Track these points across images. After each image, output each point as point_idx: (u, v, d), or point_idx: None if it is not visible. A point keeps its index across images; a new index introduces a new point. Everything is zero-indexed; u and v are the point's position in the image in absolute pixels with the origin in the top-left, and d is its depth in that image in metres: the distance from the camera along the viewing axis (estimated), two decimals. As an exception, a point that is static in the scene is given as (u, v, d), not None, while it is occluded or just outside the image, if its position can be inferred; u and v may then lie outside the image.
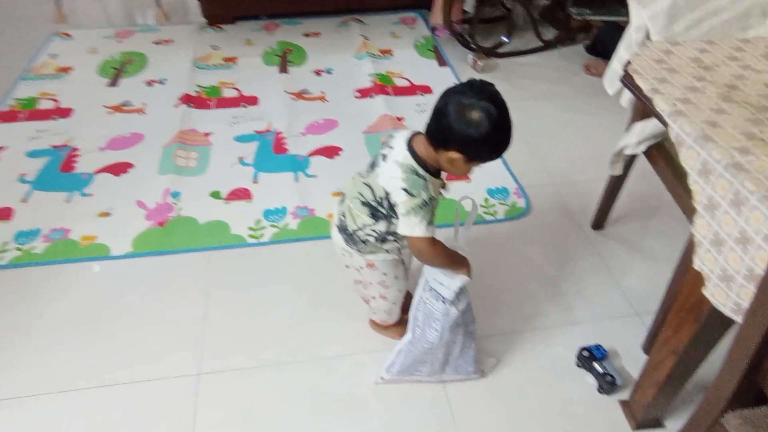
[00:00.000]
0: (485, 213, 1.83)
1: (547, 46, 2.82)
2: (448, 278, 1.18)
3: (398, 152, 1.11)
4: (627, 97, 1.49)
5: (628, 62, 1.06)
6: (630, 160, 1.57)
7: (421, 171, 1.08)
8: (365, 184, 1.15)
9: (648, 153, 1.43)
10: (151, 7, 3.17)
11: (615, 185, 1.66)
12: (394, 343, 1.34)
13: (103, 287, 1.58)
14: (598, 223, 1.79)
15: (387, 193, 1.10)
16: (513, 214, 1.84)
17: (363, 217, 1.16)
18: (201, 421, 1.27)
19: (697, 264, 0.88)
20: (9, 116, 2.26)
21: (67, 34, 2.89)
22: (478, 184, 1.94)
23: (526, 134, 2.23)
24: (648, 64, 1.05)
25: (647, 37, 1.43)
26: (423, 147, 1.09)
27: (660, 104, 0.94)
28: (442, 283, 1.19)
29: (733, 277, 0.81)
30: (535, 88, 2.55)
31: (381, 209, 1.14)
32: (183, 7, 3.25)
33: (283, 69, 2.58)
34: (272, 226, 1.76)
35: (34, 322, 1.48)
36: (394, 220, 1.14)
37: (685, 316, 1.04)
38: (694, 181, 0.86)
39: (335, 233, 1.27)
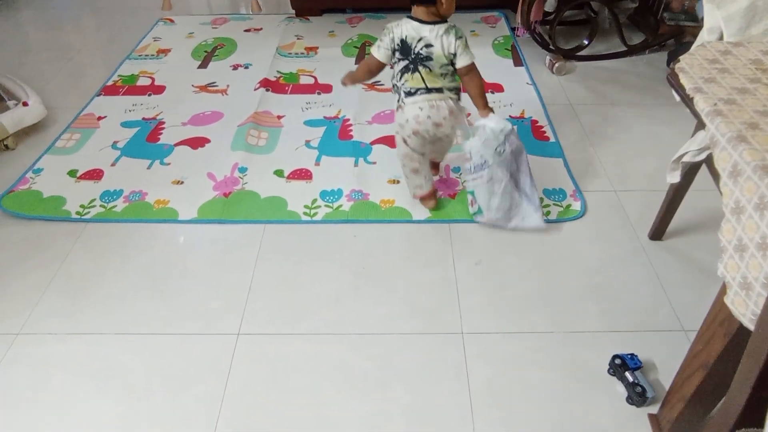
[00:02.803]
0: (537, 212, 1.81)
1: (632, 51, 2.70)
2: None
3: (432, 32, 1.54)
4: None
5: (678, 60, 1.02)
6: (693, 170, 1.50)
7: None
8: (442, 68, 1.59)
9: (709, 163, 1.36)
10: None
11: (676, 195, 1.59)
12: (425, 329, 1.38)
13: (168, 247, 1.73)
14: (657, 233, 1.71)
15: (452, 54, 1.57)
16: (567, 215, 1.80)
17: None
18: (234, 378, 1.36)
19: (720, 271, 0.85)
20: (112, 90, 2.50)
21: (171, 20, 3.15)
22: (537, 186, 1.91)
23: (594, 138, 2.17)
24: (698, 63, 1.01)
25: (721, 39, 1.36)
26: (424, 14, 1.54)
27: (700, 104, 0.91)
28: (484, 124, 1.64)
29: (752, 285, 0.77)
30: (613, 93, 2.46)
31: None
32: (279, 1, 3.43)
33: (360, 60, 2.66)
34: (326, 206, 1.84)
35: (108, 272, 1.65)
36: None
37: (716, 329, 0.99)
38: (724, 184, 0.83)
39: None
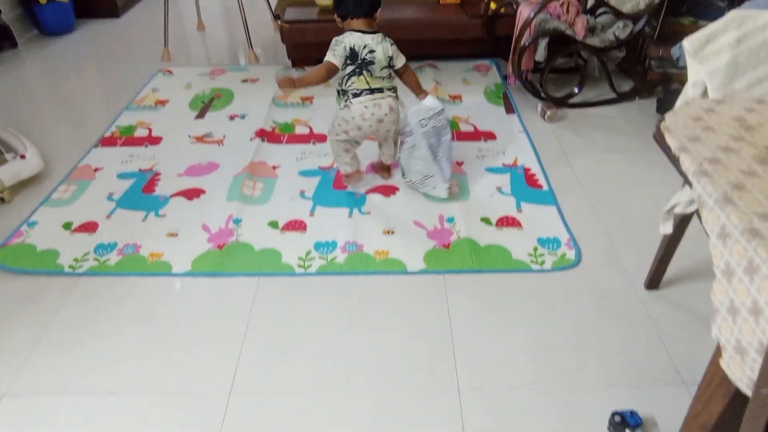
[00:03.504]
0: (531, 262, 1.80)
1: (622, 98, 2.76)
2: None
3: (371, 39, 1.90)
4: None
5: (663, 119, 1.04)
6: (686, 220, 1.50)
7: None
8: (381, 71, 1.93)
9: (699, 213, 1.36)
10: (244, 49, 3.46)
11: (670, 244, 1.59)
12: (419, 383, 1.35)
13: (161, 302, 1.71)
14: (653, 282, 1.70)
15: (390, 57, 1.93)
16: (562, 265, 1.80)
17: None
18: (225, 437, 1.33)
19: (715, 332, 0.84)
20: (110, 141, 2.53)
21: (170, 71, 3.21)
22: (528, 234, 1.92)
23: (587, 185, 2.18)
24: (683, 121, 1.02)
25: (705, 93, 1.39)
26: (365, 25, 1.91)
27: (686, 163, 0.92)
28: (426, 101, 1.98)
29: (746, 350, 0.76)
30: (605, 139, 2.50)
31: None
32: (273, 50, 3.52)
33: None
34: (321, 257, 1.84)
35: (100, 328, 1.63)
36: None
37: (715, 389, 0.97)
38: (714, 245, 0.83)
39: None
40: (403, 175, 2.14)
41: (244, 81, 3.05)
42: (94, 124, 2.69)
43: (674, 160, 0.96)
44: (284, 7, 3.15)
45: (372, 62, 1.89)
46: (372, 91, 1.92)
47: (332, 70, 1.90)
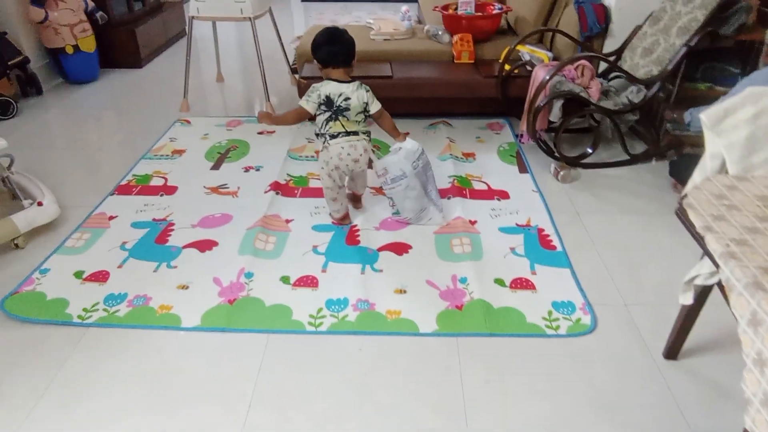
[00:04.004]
0: (546, 327, 1.77)
1: (634, 160, 2.77)
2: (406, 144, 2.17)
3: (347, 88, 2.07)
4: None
5: (685, 195, 1.03)
6: (706, 290, 1.48)
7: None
8: (356, 116, 2.09)
9: (721, 285, 1.34)
10: (261, 101, 3.54)
11: (689, 314, 1.56)
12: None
13: (169, 356, 1.68)
14: (671, 352, 1.66)
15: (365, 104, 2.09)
16: (576, 330, 1.76)
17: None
18: (228, 507, 1.27)
19: (749, 425, 0.80)
20: (126, 189, 2.56)
21: (188, 121, 3.28)
22: (543, 297, 1.89)
23: (601, 248, 2.16)
24: (706, 198, 1.02)
25: (723, 164, 1.39)
26: (342, 75, 2.08)
27: (712, 243, 0.91)
28: (401, 147, 2.16)
29: (782, 445, 0.73)
30: (619, 201, 2.49)
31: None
32: (290, 103, 3.59)
33: (370, 165, 2.72)
34: (332, 315, 1.81)
35: (106, 380, 1.60)
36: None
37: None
38: (743, 331, 0.81)
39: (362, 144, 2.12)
40: (396, 213, 2.30)
41: (260, 133, 3.10)
42: (111, 172, 2.73)
43: (698, 238, 0.94)
44: (303, 63, 3.23)
45: (347, 108, 2.06)
46: (348, 133, 2.09)
47: (303, 115, 2.10)
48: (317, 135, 2.15)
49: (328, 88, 2.04)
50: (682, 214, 1.01)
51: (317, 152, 2.83)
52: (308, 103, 2.06)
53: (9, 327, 1.79)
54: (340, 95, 2.04)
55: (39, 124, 3.28)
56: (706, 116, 1.34)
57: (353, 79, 2.10)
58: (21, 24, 3.61)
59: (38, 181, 2.39)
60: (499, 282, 1.97)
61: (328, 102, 2.04)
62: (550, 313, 1.83)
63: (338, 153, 2.09)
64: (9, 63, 3.33)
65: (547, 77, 2.49)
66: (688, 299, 1.44)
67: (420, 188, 2.19)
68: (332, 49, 2.04)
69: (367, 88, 2.10)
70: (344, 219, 2.29)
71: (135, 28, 4.21)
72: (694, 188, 1.06)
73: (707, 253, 0.92)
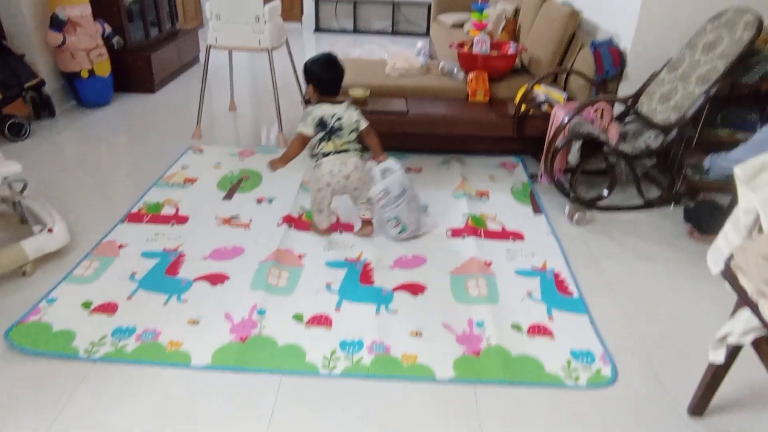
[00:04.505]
0: (566, 377, 1.72)
1: (649, 204, 2.75)
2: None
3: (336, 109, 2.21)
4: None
5: (732, 256, 1.00)
6: (738, 348, 1.43)
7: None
8: (348, 135, 2.24)
9: (756, 344, 1.30)
10: (274, 131, 3.54)
11: (718, 371, 1.51)
12: None
13: (178, 395, 1.63)
14: (697, 408, 1.60)
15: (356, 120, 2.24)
16: (597, 382, 1.71)
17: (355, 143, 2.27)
18: None
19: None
20: (136, 217, 2.53)
21: (200, 149, 3.27)
22: (561, 345, 1.85)
23: (619, 294, 2.12)
24: (755, 261, 0.99)
25: (757, 220, 1.36)
26: (333, 99, 2.23)
27: (767, 311, 0.87)
28: (388, 167, 2.31)
29: None
30: (636, 246, 2.46)
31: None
32: (302, 133, 3.58)
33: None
34: (346, 358, 1.76)
35: (112, 420, 1.54)
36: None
37: None
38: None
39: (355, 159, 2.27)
40: (403, 230, 2.35)
41: (273, 164, 3.09)
42: (122, 198, 2.70)
43: (750, 305, 0.91)
44: (318, 96, 3.24)
45: (340, 128, 2.19)
46: (339, 151, 2.22)
47: (306, 140, 2.21)
48: (311, 156, 2.27)
49: (321, 110, 2.17)
50: (729, 277, 0.97)
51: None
52: (307, 127, 2.18)
53: (13, 359, 1.73)
54: (333, 116, 2.17)
55: (51, 147, 3.27)
56: (740, 170, 1.32)
57: (342, 101, 2.24)
58: (39, 47, 3.63)
59: (49, 206, 2.36)
60: (516, 327, 1.92)
61: (322, 123, 2.17)
62: (569, 362, 1.78)
63: (330, 170, 2.21)
64: (26, 85, 3.34)
65: (567, 119, 2.48)
66: (719, 357, 1.40)
67: (416, 198, 2.36)
68: (333, 78, 2.21)
69: (357, 107, 2.26)
70: (328, 231, 2.40)
71: (150, 54, 4.24)
72: (739, 249, 1.02)
73: (761, 320, 0.88)
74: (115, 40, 3.92)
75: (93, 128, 3.60)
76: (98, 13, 3.82)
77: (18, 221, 2.43)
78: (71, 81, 3.78)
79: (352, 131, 2.23)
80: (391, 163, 2.31)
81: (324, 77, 2.19)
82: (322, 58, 2.20)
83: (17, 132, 3.27)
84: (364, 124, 2.25)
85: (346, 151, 2.23)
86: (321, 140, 2.20)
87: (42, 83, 3.49)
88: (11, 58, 3.33)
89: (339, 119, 2.18)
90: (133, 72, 4.21)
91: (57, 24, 3.51)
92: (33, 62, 3.51)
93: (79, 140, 3.40)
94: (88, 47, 3.71)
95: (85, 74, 3.74)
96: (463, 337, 1.87)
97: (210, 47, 3.33)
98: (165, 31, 4.74)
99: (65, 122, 3.66)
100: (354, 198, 2.37)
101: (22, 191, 2.30)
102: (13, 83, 3.26)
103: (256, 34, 3.20)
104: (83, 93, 3.83)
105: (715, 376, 1.51)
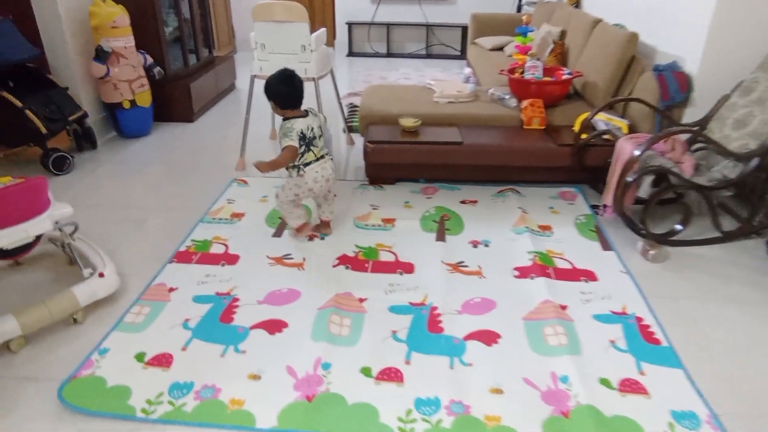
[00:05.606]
0: (674, 446, 1.54)
1: (728, 238, 2.56)
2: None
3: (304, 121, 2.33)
4: None
5: None
6: None
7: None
8: (320, 140, 2.40)
9: None
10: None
11: None
12: None
13: (243, 464, 1.50)
14: (830, 487, 1.41)
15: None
16: (710, 452, 1.53)
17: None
18: None
19: None
20: (185, 257, 2.42)
21: (244, 181, 3.18)
22: (659, 404, 1.67)
23: (712, 343, 1.94)
24: None
25: None
26: (301, 111, 2.36)
27: None
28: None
29: None
30: (719, 287, 2.27)
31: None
32: (345, 162, 3.48)
33: (440, 237, 2.57)
34: (424, 420, 1.61)
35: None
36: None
37: None
38: None
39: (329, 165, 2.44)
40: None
41: (321, 197, 2.97)
42: (168, 235, 2.61)
43: None
44: (366, 125, 3.14)
45: (315, 137, 2.35)
46: (318, 159, 2.37)
47: (296, 152, 2.29)
48: (292, 167, 2.35)
49: (299, 124, 2.28)
50: None
51: (384, 221, 2.69)
52: (294, 141, 2.26)
53: (66, 419, 1.62)
54: (308, 128, 2.31)
55: (93, 181, 3.21)
56: None
57: (307, 110, 2.38)
58: (82, 79, 3.60)
59: (98, 248, 2.27)
60: (605, 383, 1.75)
61: (303, 136, 2.29)
62: (671, 426, 1.60)
63: (314, 177, 2.36)
64: (69, 118, 3.30)
65: (638, 153, 2.32)
66: None
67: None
68: (292, 92, 2.30)
69: (316, 112, 2.41)
70: (304, 227, 2.52)
71: (190, 83, 4.20)
72: None
73: None
74: (156, 70, 3.88)
75: (134, 160, 3.54)
76: (140, 43, 3.79)
77: (66, 262, 2.35)
78: (113, 112, 3.74)
79: (321, 137, 2.38)
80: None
81: (283, 91, 2.29)
82: (279, 74, 2.31)
83: (60, 166, 3.23)
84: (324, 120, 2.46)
85: (322, 157, 2.38)
86: (303, 152, 2.31)
87: (85, 115, 3.45)
88: (55, 91, 3.30)
89: (312, 129, 2.33)
90: (173, 101, 4.17)
91: (101, 56, 3.48)
92: (76, 94, 3.48)
93: (121, 173, 3.33)
94: (131, 78, 3.68)
95: (127, 105, 3.70)
96: (549, 395, 1.70)
97: (254, 77, 3.25)
98: (203, 59, 4.72)
99: (106, 154, 3.61)
100: (323, 199, 2.50)
101: (72, 234, 2.21)
102: (57, 117, 3.22)
103: (303, 64, 3.12)
104: (124, 124, 3.79)
105: None
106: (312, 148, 2.34)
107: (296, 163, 2.34)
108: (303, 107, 2.36)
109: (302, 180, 2.35)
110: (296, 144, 2.26)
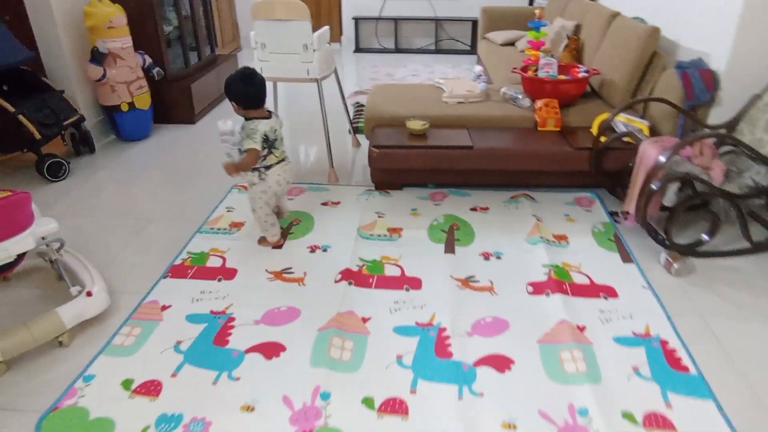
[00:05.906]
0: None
1: (758, 248, 2.39)
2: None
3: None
4: None
5: None
6: None
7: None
8: (280, 144, 2.34)
9: None
10: (324, 167, 3.29)
11: None
12: None
13: None
14: None
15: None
16: (748, 500, 1.38)
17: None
18: None
19: None
20: (180, 271, 2.30)
21: (245, 187, 3.03)
22: None
23: (744, 369, 1.78)
24: None
25: None
26: (264, 112, 2.30)
27: None
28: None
29: None
30: (750, 303, 2.11)
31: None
32: (350, 167, 3.34)
33: (450, 248, 2.42)
34: (429, 460, 1.47)
35: None
36: None
37: None
38: None
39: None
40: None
41: (324, 204, 2.84)
42: (163, 247, 2.49)
43: None
44: (372, 127, 2.99)
45: (276, 139, 2.29)
46: (279, 161, 2.32)
47: (258, 156, 2.23)
48: (253, 169, 2.28)
49: (262, 126, 2.21)
50: None
51: (391, 230, 2.55)
52: (257, 143, 2.19)
53: (45, 456, 1.51)
54: (272, 129, 2.25)
55: (89, 188, 3.09)
56: None
57: (270, 112, 2.31)
58: (78, 82, 3.49)
59: (87, 263, 2.16)
60: (629, 417, 1.60)
61: (267, 139, 2.23)
62: (704, 467, 1.45)
63: (276, 180, 2.32)
64: (65, 122, 3.18)
65: (664, 159, 2.16)
66: None
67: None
68: (253, 92, 2.22)
69: (277, 114, 2.36)
70: (279, 242, 2.46)
71: (191, 83, 4.07)
72: None
73: None
74: (156, 71, 3.76)
75: (133, 165, 3.42)
76: (138, 44, 3.67)
77: (56, 277, 2.24)
78: (111, 115, 3.63)
79: (281, 139, 2.33)
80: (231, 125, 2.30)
81: (244, 91, 2.21)
82: (239, 73, 2.22)
83: (56, 172, 3.12)
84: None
85: (283, 160, 2.34)
86: (265, 155, 2.26)
87: (82, 119, 3.34)
88: (50, 94, 3.19)
89: (275, 131, 2.28)
90: (173, 103, 4.05)
91: (97, 57, 3.37)
92: (72, 97, 3.37)
93: (119, 179, 3.22)
94: (129, 80, 3.56)
95: (125, 108, 3.58)
96: (566, 430, 1.56)
97: (255, 78, 3.11)
98: (204, 59, 4.59)
99: (104, 159, 3.50)
100: (277, 199, 2.47)
101: (58, 250, 2.09)
102: (52, 121, 3.11)
103: (305, 64, 2.98)
104: (123, 127, 3.67)
105: None
106: (273, 150, 2.29)
107: (257, 166, 2.28)
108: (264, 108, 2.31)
109: (265, 184, 2.32)
110: (259, 147, 2.20)
